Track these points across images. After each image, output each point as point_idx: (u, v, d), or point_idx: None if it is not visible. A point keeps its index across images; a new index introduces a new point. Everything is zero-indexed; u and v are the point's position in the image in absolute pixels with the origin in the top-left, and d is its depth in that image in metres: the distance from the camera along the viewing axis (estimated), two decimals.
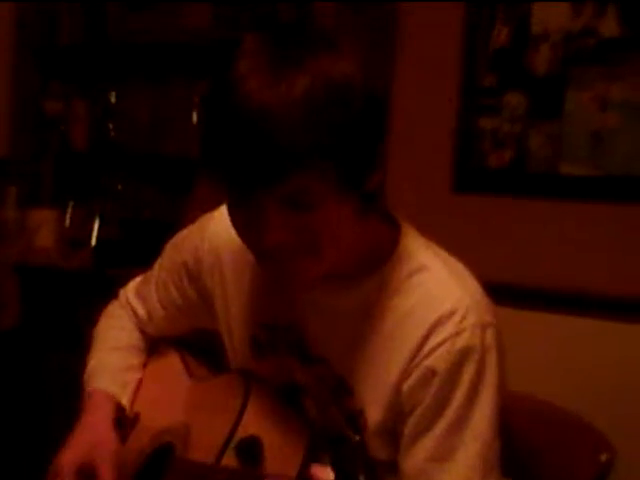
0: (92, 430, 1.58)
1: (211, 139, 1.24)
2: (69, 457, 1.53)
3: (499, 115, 2.81)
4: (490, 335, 1.33)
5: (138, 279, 1.73)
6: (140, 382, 1.66)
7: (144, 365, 1.69)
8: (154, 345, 1.71)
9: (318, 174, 1.20)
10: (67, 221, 3.41)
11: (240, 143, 1.19)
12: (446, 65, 2.87)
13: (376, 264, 1.38)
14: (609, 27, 2.63)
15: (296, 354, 1.44)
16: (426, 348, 1.32)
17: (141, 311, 1.69)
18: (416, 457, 1.34)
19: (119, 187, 3.46)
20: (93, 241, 3.32)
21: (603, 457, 1.49)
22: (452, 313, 1.32)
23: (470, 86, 2.85)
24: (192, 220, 1.62)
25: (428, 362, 1.32)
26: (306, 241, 1.25)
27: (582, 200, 2.69)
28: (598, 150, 2.67)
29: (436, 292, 1.35)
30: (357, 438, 1.39)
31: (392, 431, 1.37)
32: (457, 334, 1.32)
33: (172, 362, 1.67)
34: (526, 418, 1.59)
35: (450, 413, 1.32)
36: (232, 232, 1.39)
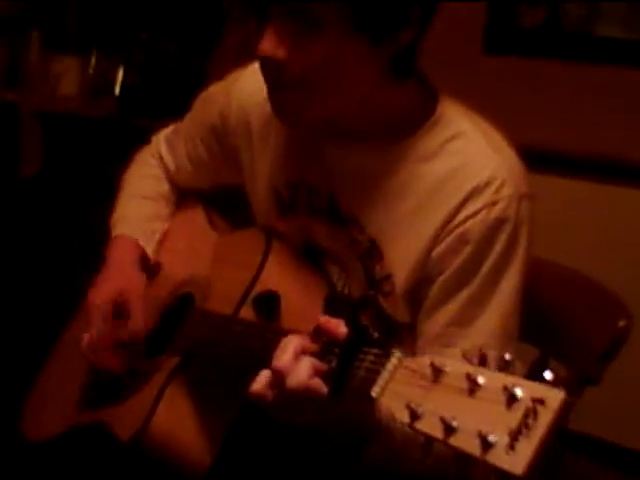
0: (120, 271, 1.60)
1: None
2: (101, 296, 1.55)
3: None
4: (525, 207, 1.33)
5: (170, 128, 1.73)
6: (165, 233, 1.68)
7: (171, 216, 1.70)
8: (181, 198, 1.73)
9: None
10: (91, 69, 3.37)
11: None
12: None
13: (411, 127, 1.36)
14: None
15: (324, 215, 1.43)
16: (460, 216, 1.32)
17: (170, 162, 1.70)
18: (437, 321, 1.35)
19: (144, 35, 3.40)
20: (117, 90, 3.29)
21: (621, 323, 1.51)
22: (489, 182, 1.31)
23: None
24: (220, 70, 1.61)
25: (461, 230, 1.32)
26: (300, 64, 1.24)
27: (616, 64, 2.63)
28: (635, 12, 2.59)
29: (473, 160, 1.33)
30: (377, 299, 1.40)
31: (416, 294, 1.37)
32: (493, 204, 1.31)
33: (197, 215, 1.69)
34: (548, 284, 1.60)
35: (476, 281, 1.32)
36: (261, 91, 1.39)
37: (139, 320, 1.53)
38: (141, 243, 1.65)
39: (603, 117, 2.67)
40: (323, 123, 1.36)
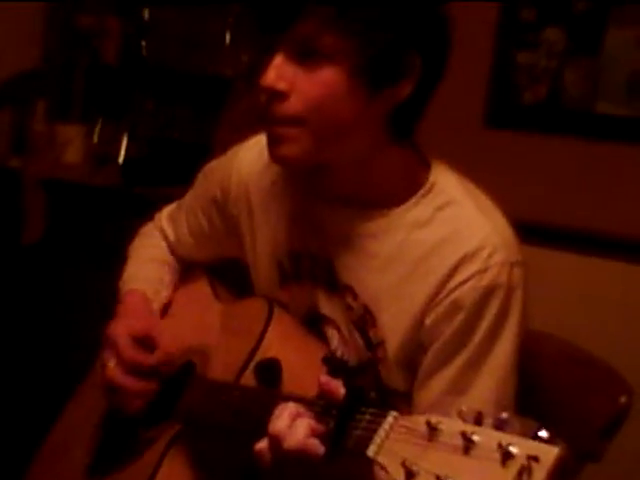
0: (136, 312, 1.60)
1: None
2: (122, 327, 1.55)
3: (537, 50, 2.76)
4: (517, 273, 1.33)
5: (173, 204, 1.75)
6: (170, 304, 1.69)
7: (175, 286, 1.71)
8: (185, 270, 1.73)
9: (330, 29, 1.24)
10: (95, 137, 3.40)
11: None
12: None
13: (406, 195, 1.38)
14: None
15: (323, 283, 1.44)
16: (452, 283, 1.32)
17: (171, 235, 1.72)
18: (432, 389, 1.35)
19: (149, 105, 3.43)
20: (121, 158, 3.31)
21: (622, 399, 1.50)
22: (480, 249, 1.32)
23: (509, 19, 2.80)
24: (222, 142, 1.63)
25: (453, 297, 1.32)
26: (299, 99, 1.28)
27: (616, 141, 2.66)
28: (635, 90, 2.62)
29: (465, 227, 1.34)
30: (373, 364, 1.40)
31: (410, 363, 1.38)
32: (484, 270, 1.32)
33: (201, 286, 1.70)
34: (547, 358, 1.60)
35: (470, 349, 1.32)
36: (260, 163, 1.44)
37: (168, 345, 1.53)
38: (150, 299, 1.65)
39: (602, 192, 2.68)
40: (318, 175, 1.38)
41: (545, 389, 1.57)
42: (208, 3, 3.39)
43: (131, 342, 1.53)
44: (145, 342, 1.54)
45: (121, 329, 1.54)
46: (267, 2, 1.31)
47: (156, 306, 1.65)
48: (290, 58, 1.28)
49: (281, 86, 1.28)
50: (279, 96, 1.29)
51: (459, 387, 1.33)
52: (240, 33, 3.17)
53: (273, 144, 1.35)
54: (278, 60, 1.28)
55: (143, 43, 3.49)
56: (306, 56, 1.27)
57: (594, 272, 2.69)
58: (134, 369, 1.51)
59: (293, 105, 1.29)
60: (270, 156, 1.37)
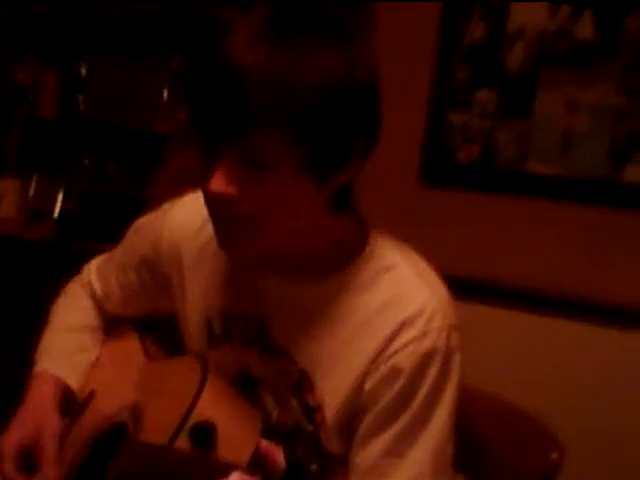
0: (35, 412, 1.57)
1: (191, 85, 1.30)
2: (11, 439, 1.53)
3: (469, 111, 2.81)
4: (454, 337, 1.34)
5: (102, 257, 1.72)
6: (96, 361, 1.66)
7: (102, 343, 1.68)
8: (113, 324, 1.71)
9: (277, 141, 1.22)
10: (31, 192, 3.38)
11: (210, 93, 1.23)
12: (420, 58, 2.86)
13: (344, 260, 1.38)
14: (584, 30, 2.64)
15: (256, 346, 1.44)
16: (391, 348, 1.33)
17: (99, 290, 1.69)
18: (370, 452, 1.34)
19: (85, 160, 3.43)
20: (56, 213, 3.29)
21: (553, 455, 1.51)
22: (419, 315, 1.33)
23: (443, 80, 2.85)
24: (157, 198, 1.62)
25: (393, 362, 1.32)
26: (250, 204, 1.26)
27: (547, 199, 2.71)
28: (565, 151, 2.68)
29: (403, 293, 1.35)
30: (311, 428, 1.40)
31: (349, 426, 1.37)
32: (423, 335, 1.32)
33: (130, 342, 1.67)
34: (479, 416, 1.60)
35: (409, 414, 1.33)
36: (192, 221, 1.43)
37: (49, 474, 1.50)
38: (62, 376, 1.62)
39: (534, 249, 2.72)
40: (264, 254, 1.38)
41: (478, 446, 1.58)
42: (146, 57, 3.40)
43: (15, 457, 1.51)
44: (32, 458, 1.52)
45: (11, 440, 1.53)
46: (210, 117, 1.26)
47: (73, 382, 1.62)
48: (236, 163, 1.25)
49: (230, 191, 1.26)
50: (231, 201, 1.27)
51: (397, 451, 1.33)
52: (178, 89, 3.19)
53: (222, 240, 1.34)
54: (225, 166, 1.25)
55: (80, 98, 3.50)
56: (252, 163, 1.24)
57: (527, 328, 2.72)
58: None
59: (243, 209, 1.27)
60: (224, 252, 1.37)
